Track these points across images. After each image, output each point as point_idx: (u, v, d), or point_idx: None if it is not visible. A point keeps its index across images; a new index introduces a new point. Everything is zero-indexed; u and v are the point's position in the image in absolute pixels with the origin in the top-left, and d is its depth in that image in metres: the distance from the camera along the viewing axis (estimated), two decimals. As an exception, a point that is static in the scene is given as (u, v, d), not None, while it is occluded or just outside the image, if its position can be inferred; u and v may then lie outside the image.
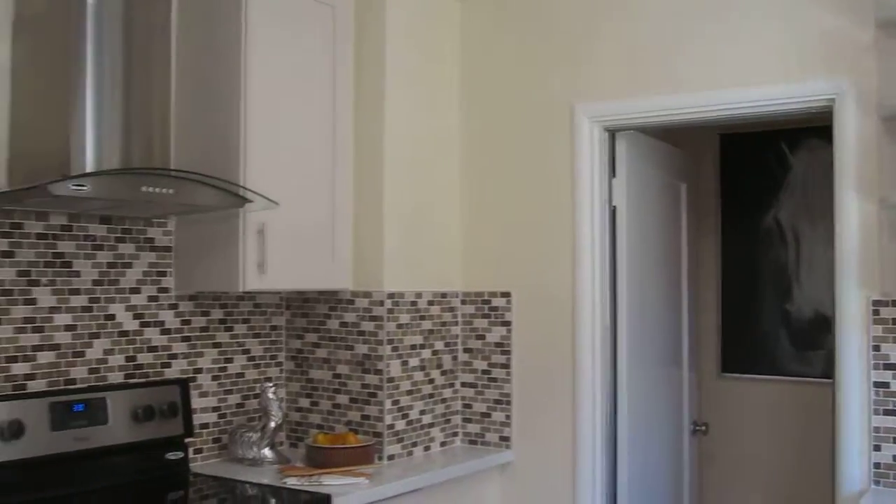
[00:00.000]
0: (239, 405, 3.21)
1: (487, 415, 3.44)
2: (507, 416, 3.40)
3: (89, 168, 2.46)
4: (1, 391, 2.54)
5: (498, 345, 3.43)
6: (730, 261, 4.41)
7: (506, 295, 3.41)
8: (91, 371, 2.76)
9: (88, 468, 2.63)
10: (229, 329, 3.18)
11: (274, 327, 3.34)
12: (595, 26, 3.25)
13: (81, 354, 2.74)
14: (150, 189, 2.40)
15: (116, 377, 2.82)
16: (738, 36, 2.98)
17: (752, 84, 2.95)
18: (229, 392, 3.18)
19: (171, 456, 2.85)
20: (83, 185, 2.26)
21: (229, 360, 3.18)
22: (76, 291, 2.73)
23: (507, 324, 3.41)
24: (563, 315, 3.30)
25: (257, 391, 3.24)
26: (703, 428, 4.04)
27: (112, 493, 2.65)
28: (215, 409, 3.13)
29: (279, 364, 3.36)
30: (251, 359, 3.26)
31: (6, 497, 2.44)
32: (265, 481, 2.80)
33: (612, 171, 3.35)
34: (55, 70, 2.52)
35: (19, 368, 2.59)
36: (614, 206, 3.35)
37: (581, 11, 3.28)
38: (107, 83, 2.54)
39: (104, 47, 2.54)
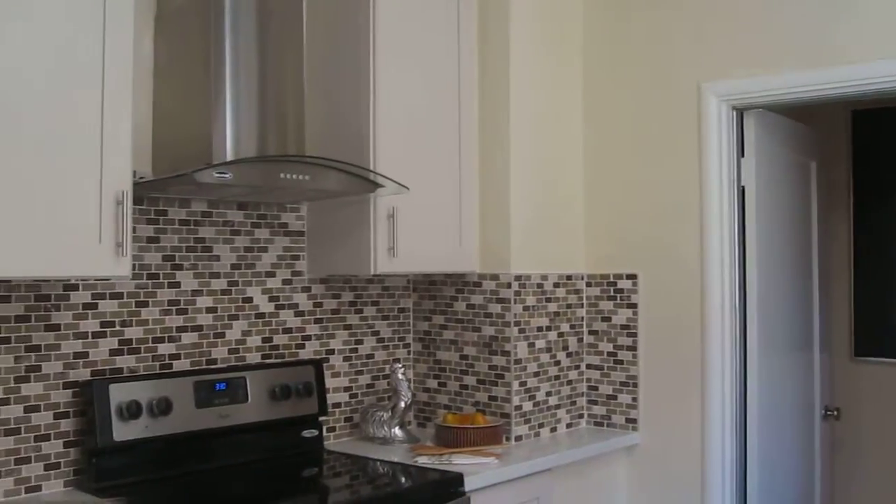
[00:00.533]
0: (369, 385, 3.29)
1: (613, 397, 3.43)
2: (634, 399, 3.39)
3: (229, 156, 2.55)
4: (149, 370, 2.67)
5: (624, 327, 3.41)
6: (863, 241, 4.27)
7: (632, 277, 3.39)
8: (231, 351, 2.87)
9: (230, 444, 2.74)
10: (359, 311, 3.26)
11: (402, 309, 3.41)
12: (721, 5, 3.19)
13: (222, 335, 2.85)
14: (288, 176, 2.48)
15: (254, 357, 2.93)
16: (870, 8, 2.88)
17: (890, 57, 2.84)
18: (360, 372, 3.26)
19: (307, 434, 2.94)
20: (226, 173, 2.35)
21: (359, 342, 3.26)
22: (216, 275, 2.85)
23: (633, 306, 3.39)
24: (691, 297, 3.26)
25: (386, 372, 3.32)
26: (835, 413, 3.93)
27: (252, 468, 2.75)
28: (346, 388, 3.22)
29: (407, 345, 3.42)
30: (380, 340, 3.33)
31: (157, 470, 2.57)
32: (396, 459, 2.87)
33: (741, 151, 3.28)
34: (195, 63, 2.63)
35: (165, 349, 2.71)
36: (742, 186, 3.28)
37: (708, -12, 3.22)
38: (243, 74, 2.63)
39: (240, 39, 2.63)
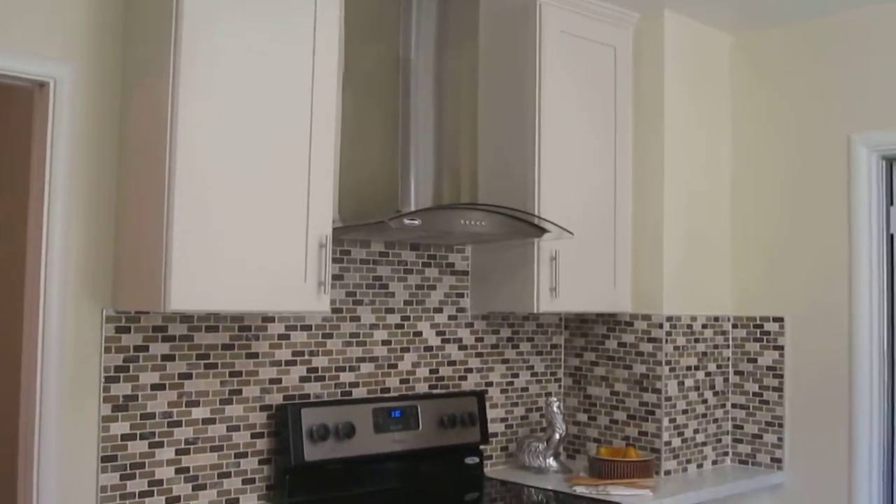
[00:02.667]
0: (523, 417, 3.48)
1: (759, 436, 3.52)
2: (779, 438, 3.47)
3: (412, 205, 2.80)
4: (331, 397, 2.92)
5: (770, 368, 3.51)
6: None
7: (778, 320, 3.49)
8: (402, 381, 3.11)
9: (403, 468, 2.97)
10: (515, 347, 3.47)
11: (554, 346, 3.60)
12: (872, 57, 3.29)
13: (395, 366, 3.09)
14: (467, 222, 2.71)
15: (422, 387, 3.16)
16: None
17: None
18: (515, 404, 3.46)
19: (469, 461, 3.15)
20: (415, 220, 2.59)
21: (515, 375, 3.46)
22: (391, 310, 3.09)
23: (779, 348, 3.49)
24: (838, 341, 3.34)
25: (539, 405, 3.50)
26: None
27: (422, 490, 2.96)
28: (503, 419, 3.41)
29: (558, 380, 3.60)
30: (534, 374, 3.52)
31: (340, 489, 2.81)
32: (554, 487, 3.04)
33: (890, 199, 3.36)
34: (381, 118, 2.89)
35: (346, 377, 2.97)
36: (892, 234, 3.36)
37: (857, 42, 3.33)
38: (422, 129, 2.88)
39: (420, 97, 2.88)
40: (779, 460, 3.48)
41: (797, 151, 3.48)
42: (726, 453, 3.59)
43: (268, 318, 2.79)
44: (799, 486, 3.43)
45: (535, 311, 3.06)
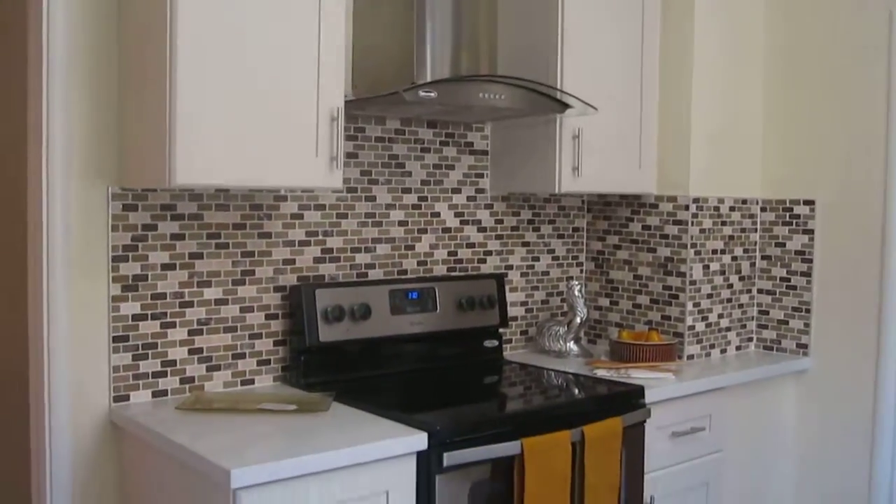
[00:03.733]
0: (543, 301, 3.41)
1: (785, 322, 3.45)
2: (806, 324, 3.40)
3: (429, 78, 2.67)
4: (347, 278, 2.86)
5: (798, 252, 3.41)
6: None
7: (809, 203, 3.37)
8: (419, 263, 3.03)
9: (419, 350, 2.92)
10: (536, 229, 3.37)
11: (576, 229, 3.50)
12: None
13: (412, 248, 3.01)
14: (486, 95, 2.58)
15: (440, 270, 3.09)
16: None
17: None
18: (535, 288, 3.38)
19: (488, 343, 3.10)
20: (431, 92, 2.47)
21: (536, 259, 3.38)
22: (408, 190, 3.00)
23: (809, 232, 3.38)
24: (871, 225, 3.22)
25: (560, 289, 3.43)
26: None
27: (440, 373, 2.92)
28: (523, 303, 3.35)
29: (580, 264, 3.52)
30: (555, 258, 3.44)
31: (356, 370, 2.77)
32: (575, 371, 2.99)
33: (933, 76, 3.19)
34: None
35: (361, 258, 2.89)
36: (932, 113, 3.20)
37: None
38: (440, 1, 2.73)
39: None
40: (805, 346, 3.41)
41: (835, 26, 3.29)
42: (751, 339, 3.52)
43: (280, 197, 2.70)
44: (824, 372, 3.37)
45: (556, 191, 2.95)
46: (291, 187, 2.36)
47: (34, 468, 2.46)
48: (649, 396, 2.75)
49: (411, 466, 2.21)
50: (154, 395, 2.51)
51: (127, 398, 2.46)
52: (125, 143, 2.38)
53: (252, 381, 2.68)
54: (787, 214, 3.43)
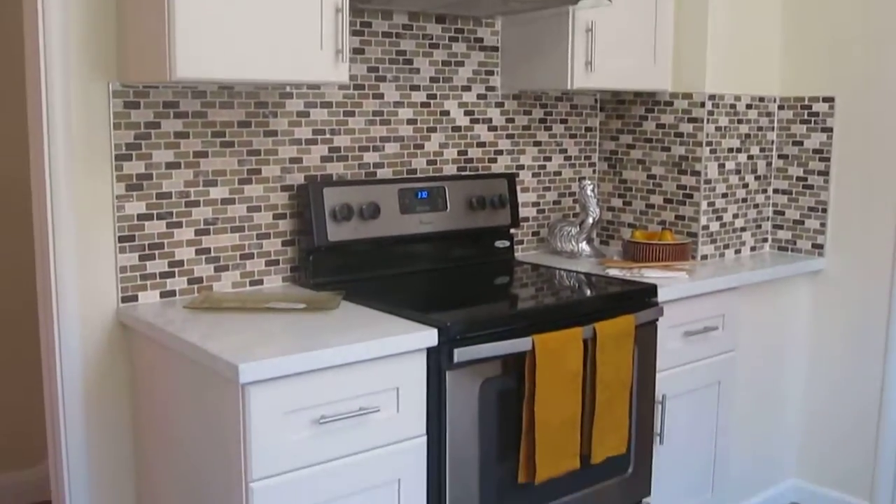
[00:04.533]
0: (555, 202, 3.36)
1: (801, 222, 3.39)
2: (822, 224, 3.34)
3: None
4: (355, 177, 2.81)
5: (816, 151, 3.33)
6: None
7: (829, 100, 3.28)
8: (429, 162, 2.98)
9: (430, 250, 2.89)
10: (548, 129, 3.30)
11: (589, 128, 3.43)
12: None
13: (421, 147, 2.95)
14: (497, -16, 2.49)
15: (450, 169, 3.03)
16: None
17: None
18: (547, 189, 3.33)
19: (499, 244, 3.06)
20: (439, -20, 2.39)
21: (547, 159, 3.32)
22: (416, 88, 2.92)
23: (827, 130, 3.30)
24: (892, 121, 3.14)
25: (573, 189, 3.38)
26: None
27: (450, 272, 2.89)
28: (534, 204, 3.30)
29: (592, 164, 3.46)
30: (567, 158, 3.38)
31: (365, 270, 2.75)
32: (587, 270, 2.95)
33: (962, -36, 3.07)
34: None
35: (370, 157, 2.84)
36: (960, 4, 3.09)
37: None
38: None
39: None
40: (820, 246, 3.36)
41: (861, -89, 3.16)
42: (766, 239, 3.47)
43: (285, 94, 2.64)
44: (840, 273, 3.33)
45: (568, 87, 2.87)
46: (296, 82, 2.30)
47: (45, 371, 2.46)
48: (662, 295, 2.72)
49: (421, 363, 2.20)
50: (162, 295, 2.49)
51: (135, 299, 2.44)
52: (124, 36, 2.31)
53: (261, 282, 2.66)
54: (806, 112, 3.35)
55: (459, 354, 2.18)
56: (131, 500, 2.51)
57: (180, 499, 2.27)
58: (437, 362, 2.19)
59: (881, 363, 3.25)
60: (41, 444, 2.76)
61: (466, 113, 3.06)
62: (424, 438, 2.23)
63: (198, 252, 2.53)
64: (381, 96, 2.84)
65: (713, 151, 3.16)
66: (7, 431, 3.44)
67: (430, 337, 2.17)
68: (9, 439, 3.44)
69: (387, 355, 2.12)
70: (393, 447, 2.17)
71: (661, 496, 2.91)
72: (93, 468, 2.43)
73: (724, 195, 3.24)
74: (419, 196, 2.81)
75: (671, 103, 3.20)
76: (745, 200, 3.33)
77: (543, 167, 3.30)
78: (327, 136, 2.73)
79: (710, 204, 3.19)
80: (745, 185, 3.32)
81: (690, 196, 3.18)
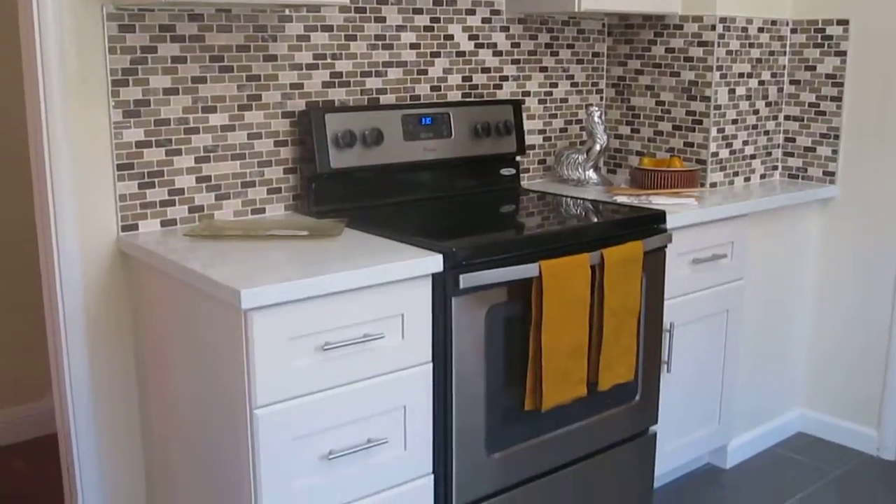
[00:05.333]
0: (562, 129, 3.30)
1: (812, 149, 3.33)
2: (834, 151, 3.28)
3: None
4: (358, 103, 2.74)
5: (829, 76, 3.26)
6: None
7: (843, 22, 3.20)
8: (433, 88, 2.91)
9: (434, 177, 2.84)
10: (555, 54, 3.23)
11: (596, 54, 3.35)
12: None
13: (425, 72, 2.88)
14: None
15: (454, 95, 2.96)
16: None
17: None
18: (553, 116, 3.26)
19: (505, 171, 3.01)
20: None
21: (554, 85, 3.25)
22: (419, 11, 2.84)
23: (841, 54, 3.22)
24: (908, 43, 3.07)
25: (579, 116, 3.31)
26: None
27: (455, 200, 2.84)
28: (540, 131, 3.24)
29: (600, 91, 3.38)
30: (574, 84, 3.30)
31: (369, 198, 2.70)
32: (594, 198, 2.90)
33: None
34: None
35: (372, 83, 2.77)
36: (981, -80, 2.99)
37: None
38: None
39: None
40: (831, 174, 3.30)
41: None
42: (776, 167, 3.41)
43: (284, 18, 2.56)
44: (851, 201, 3.28)
45: (575, 9, 2.79)
46: (295, 3, 2.22)
47: (46, 302, 2.43)
48: (670, 222, 2.67)
49: (426, 289, 2.16)
50: (163, 224, 2.44)
51: (136, 227, 2.40)
52: (117, -44, 2.24)
53: (263, 210, 2.61)
54: (819, 35, 3.26)
55: (465, 280, 2.15)
56: (136, 431, 2.50)
57: (186, 428, 2.26)
58: (443, 288, 2.16)
59: (891, 292, 3.21)
60: (46, 378, 2.75)
61: (471, 37, 2.98)
62: (430, 366, 2.21)
63: (198, 180, 2.48)
64: (384, 20, 2.77)
65: (723, 76, 3.09)
66: (11, 365, 3.43)
67: (435, 263, 2.13)
68: (13, 373, 3.44)
69: (391, 281, 2.08)
70: (398, 374, 2.15)
71: (668, 425, 2.90)
72: (97, 399, 2.42)
73: (734, 121, 3.17)
74: (423, 122, 2.75)
75: (681, 27, 3.12)
76: (755, 127, 3.26)
77: (550, 94, 3.23)
78: (328, 60, 2.67)
79: (720, 130, 3.12)
80: (756, 112, 3.25)
81: (700, 122, 3.11)
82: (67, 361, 2.36)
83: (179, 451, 2.31)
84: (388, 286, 2.09)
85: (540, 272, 2.24)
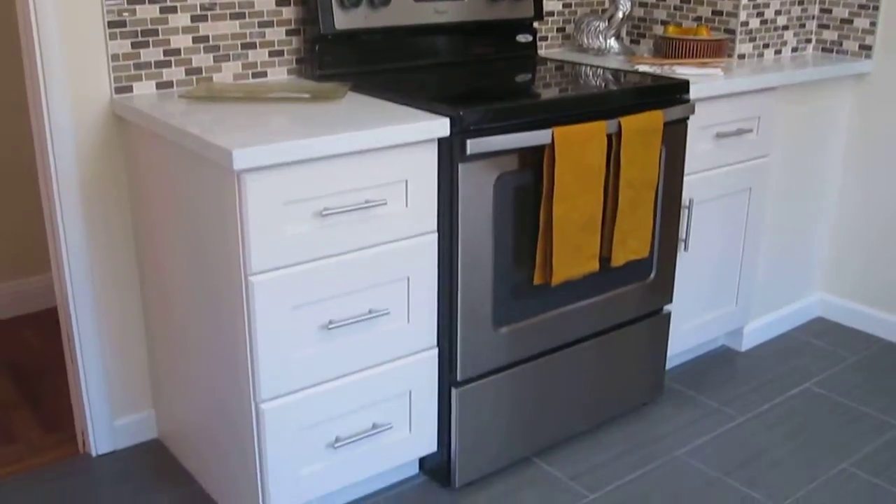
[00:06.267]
0: (583, -4, 3.12)
1: (849, 21, 3.14)
2: (872, 23, 3.09)
3: None
4: (365, -38, 2.58)
5: (871, -59, 3.04)
6: None
7: None
8: (445, -53, 2.73)
9: (445, 42, 2.69)
10: (577, -87, 3.03)
11: (622, -86, 3.14)
12: None
13: (437, -71, 2.70)
14: None
15: (469, -44, 2.79)
16: None
17: None
18: (574, -19, 3.09)
19: (521, 38, 2.85)
20: None
21: (576, -53, 3.06)
22: None
23: (885, -85, 3.00)
24: None
25: (602, -18, 3.13)
26: None
27: (466, 68, 2.70)
28: (560, -2, 3.07)
29: (625, -44, 3.18)
30: (597, -53, 3.11)
31: (375, 62, 2.56)
32: (614, 67, 2.75)
33: None
34: None
35: (381, -61, 2.60)
36: None
37: None
38: None
39: None
40: (868, 48, 3.12)
41: None
42: (809, 40, 3.22)
43: None
44: (888, 77, 3.10)
45: None
46: None
47: (40, 171, 2.34)
48: (694, 92, 2.53)
49: (432, 155, 2.05)
50: (159, 86, 2.33)
51: (130, 89, 2.29)
52: None
53: (264, 74, 2.49)
54: None
55: (472, 146, 2.03)
56: (136, 301, 2.45)
57: (185, 295, 2.19)
58: (449, 154, 2.05)
59: (924, 172, 3.08)
60: (45, 252, 2.69)
61: None
62: (435, 235, 2.11)
63: (195, 40, 2.35)
64: None
65: (758, -62, 2.89)
66: (17, 236, 3.37)
67: (441, 126, 2.02)
68: (20, 244, 3.38)
69: (394, 145, 1.97)
70: (401, 244, 2.06)
71: (683, 305, 2.82)
72: (95, 270, 2.35)
73: (767, -12, 2.98)
74: (434, -17, 2.59)
75: None
76: (789, -5, 3.08)
77: (571, -44, 3.05)
78: (333, -87, 2.49)
79: (751, -2, 2.94)
80: (790, -21, 3.06)
81: (730, -13, 2.93)
82: (63, 229, 2.29)
83: (179, 320, 2.25)
84: (392, 150, 1.98)
85: (553, 139, 2.12)
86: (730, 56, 2.94)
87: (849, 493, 2.38)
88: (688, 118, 2.52)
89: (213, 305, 2.03)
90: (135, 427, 2.55)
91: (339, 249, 1.97)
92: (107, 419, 2.48)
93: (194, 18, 2.34)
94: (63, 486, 2.36)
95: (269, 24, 2.46)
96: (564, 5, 3.07)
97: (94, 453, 2.50)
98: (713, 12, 2.98)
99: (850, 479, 2.44)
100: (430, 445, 2.30)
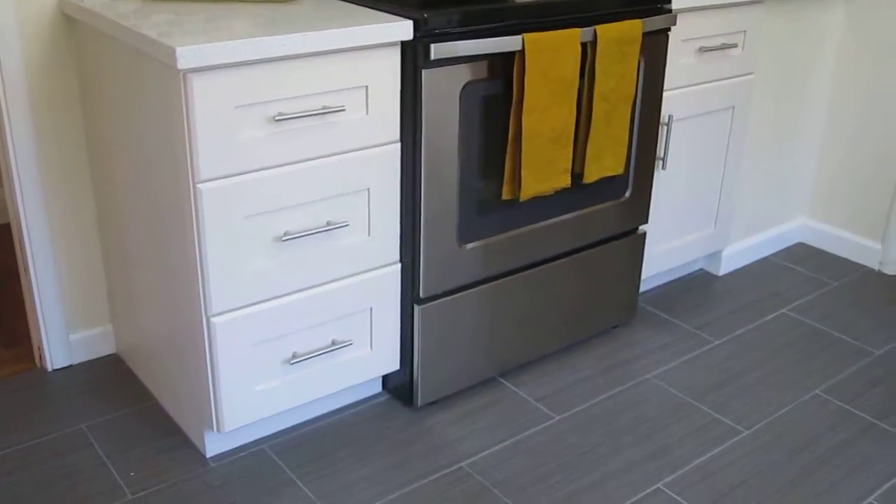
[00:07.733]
0: None
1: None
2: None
3: None
4: None
5: None
6: None
7: None
8: None
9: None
10: None
11: None
12: None
13: None
14: None
15: None
16: None
17: None
18: None
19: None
20: None
21: None
22: None
23: None
24: None
25: None
26: None
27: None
28: None
29: None
30: None
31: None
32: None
33: None
34: None
35: None
36: None
37: None
38: None
39: None
40: (861, -38, 2.99)
41: None
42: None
43: None
44: (880, -9, 2.99)
45: None
46: None
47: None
48: (677, 2, 2.41)
49: (394, 60, 1.94)
50: (112, -15, 2.20)
51: (80, -13, 2.16)
52: None
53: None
54: None
55: (437, 50, 1.92)
56: (91, 214, 2.36)
57: (136, 204, 2.10)
58: (413, 59, 1.94)
59: (913, 94, 2.98)
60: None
61: None
62: (398, 145, 2.02)
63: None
64: None
65: None
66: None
67: (403, 29, 1.90)
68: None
69: (353, 47, 1.86)
70: (361, 153, 1.97)
71: (660, 225, 2.74)
72: (46, 180, 2.26)
73: None
74: None
75: None
76: None
77: None
78: None
79: None
80: None
81: None
82: (11, 137, 2.19)
83: (132, 233, 2.16)
84: (351, 53, 1.87)
85: (523, 46, 2.01)
86: (717, -33, 2.81)
87: (820, 419, 2.34)
88: (669, 29, 2.41)
89: (162, 215, 1.95)
90: (93, 342, 2.48)
91: (294, 157, 1.87)
92: (61, 332, 2.41)
93: (149, -88, 2.20)
94: (14, 401, 2.29)
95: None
96: (546, -89, 2.92)
97: (49, 367, 2.43)
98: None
99: (822, 405, 2.40)
100: (391, 363, 2.24)
